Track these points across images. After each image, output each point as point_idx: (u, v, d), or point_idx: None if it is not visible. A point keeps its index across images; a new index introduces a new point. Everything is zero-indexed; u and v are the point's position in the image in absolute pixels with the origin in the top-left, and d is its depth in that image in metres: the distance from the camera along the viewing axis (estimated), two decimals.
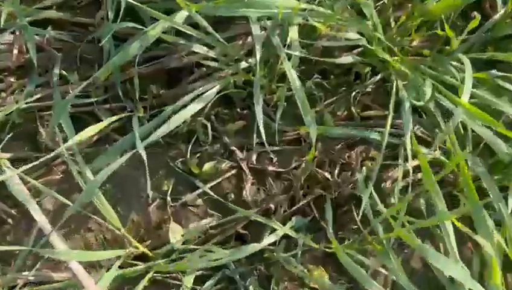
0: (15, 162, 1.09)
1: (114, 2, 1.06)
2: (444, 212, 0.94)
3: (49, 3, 1.19)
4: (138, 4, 0.97)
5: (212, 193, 1.10)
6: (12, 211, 1.06)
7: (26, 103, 1.07)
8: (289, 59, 1.00)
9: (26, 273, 1.03)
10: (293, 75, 0.93)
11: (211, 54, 1.03)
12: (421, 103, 1.02)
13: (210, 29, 0.94)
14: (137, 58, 1.14)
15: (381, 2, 1.25)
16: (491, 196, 1.02)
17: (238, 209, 1.05)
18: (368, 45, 1.02)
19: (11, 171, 0.98)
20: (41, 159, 0.96)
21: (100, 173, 0.94)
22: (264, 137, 0.94)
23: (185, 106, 1.04)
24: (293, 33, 0.95)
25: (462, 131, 1.06)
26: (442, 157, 1.04)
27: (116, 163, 0.93)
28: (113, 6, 1.06)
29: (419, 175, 1.14)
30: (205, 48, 1.02)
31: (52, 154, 0.95)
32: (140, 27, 0.99)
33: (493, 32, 1.17)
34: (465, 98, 0.92)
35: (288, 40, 0.93)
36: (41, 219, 0.94)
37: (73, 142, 0.96)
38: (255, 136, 1.13)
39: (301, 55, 0.97)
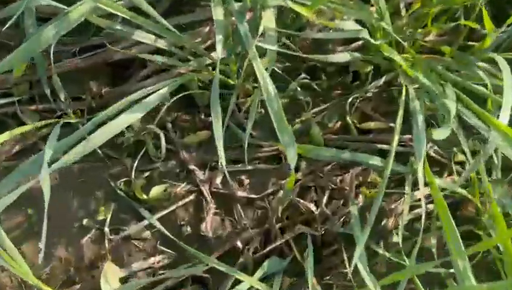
0: None
1: None
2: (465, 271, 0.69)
3: None
4: None
5: (161, 227, 0.85)
6: None
7: None
8: (265, 54, 0.74)
9: None
10: (264, 77, 0.67)
11: (161, 44, 0.77)
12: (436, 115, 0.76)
13: (151, 10, 0.68)
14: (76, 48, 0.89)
15: None
16: None
17: (193, 251, 0.80)
18: (370, 38, 0.76)
19: None
20: None
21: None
22: (222, 155, 0.68)
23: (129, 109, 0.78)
24: (268, 20, 0.68)
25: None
26: (464, 191, 0.79)
27: (8, 197, 0.67)
28: None
29: (430, 205, 0.89)
30: (153, 37, 0.76)
31: None
32: (63, 7, 0.72)
33: None
34: (503, 118, 0.66)
35: (261, 29, 0.67)
36: None
37: None
38: (221, 150, 0.87)
39: (278, 49, 0.71)
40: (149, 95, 0.77)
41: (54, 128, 0.77)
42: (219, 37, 0.69)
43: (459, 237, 0.75)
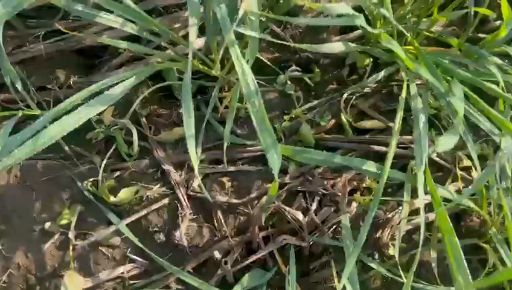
0: None
1: None
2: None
3: None
4: None
5: (129, 233, 0.76)
6: None
7: None
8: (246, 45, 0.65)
9: None
10: (244, 68, 0.58)
11: (131, 29, 0.67)
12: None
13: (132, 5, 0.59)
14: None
15: None
16: None
17: (164, 264, 0.71)
18: (368, 27, 0.66)
19: None
20: None
21: None
22: (193, 155, 0.59)
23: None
24: (250, 1, 0.59)
25: None
26: (470, 203, 0.70)
27: None
28: None
29: (430, 215, 0.80)
30: (120, 20, 0.66)
31: None
32: None
33: None
34: None
35: (241, 12, 0.57)
36: None
37: None
38: (198, 149, 0.78)
39: (262, 36, 0.62)
40: (117, 84, 0.68)
41: (9, 120, 0.67)
42: (193, 20, 0.60)
43: (463, 255, 0.66)
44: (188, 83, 0.58)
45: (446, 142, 0.53)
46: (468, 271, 0.64)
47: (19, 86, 0.73)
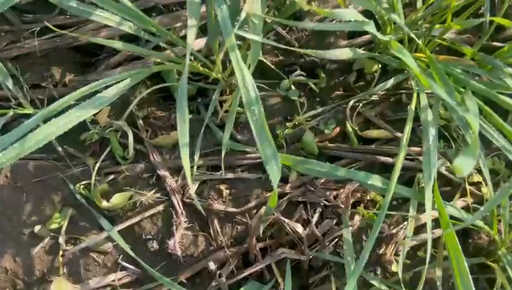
0: None
1: None
2: None
3: None
4: None
5: (121, 241, 0.73)
6: None
7: None
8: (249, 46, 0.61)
9: None
10: (244, 74, 0.54)
11: (128, 28, 0.64)
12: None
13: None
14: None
15: None
16: None
17: (156, 274, 0.68)
18: (378, 34, 0.63)
19: None
20: None
21: None
22: (186, 162, 0.56)
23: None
24: (253, 3, 0.55)
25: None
26: (480, 223, 0.66)
27: None
28: None
29: (437, 231, 0.77)
30: (117, 19, 0.63)
31: None
32: None
33: None
34: None
35: (243, 14, 0.54)
36: None
37: None
38: (197, 155, 0.75)
39: (264, 40, 0.58)
40: (113, 84, 0.65)
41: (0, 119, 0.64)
42: (192, 21, 0.56)
43: (469, 275, 0.63)
44: (184, 87, 0.55)
45: (464, 165, 0.49)
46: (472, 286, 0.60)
47: (9, 83, 0.70)
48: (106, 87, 0.63)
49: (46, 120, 0.60)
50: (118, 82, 0.61)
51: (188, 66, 0.58)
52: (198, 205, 0.66)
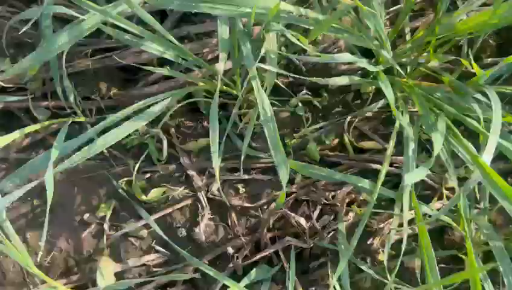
0: None
1: None
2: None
3: None
4: None
5: (156, 227, 0.89)
6: None
7: None
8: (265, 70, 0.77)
9: None
10: (263, 98, 0.70)
11: (167, 55, 0.80)
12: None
13: (158, 26, 0.71)
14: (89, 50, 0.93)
15: (398, 5, 1.02)
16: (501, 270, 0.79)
17: (186, 255, 0.84)
18: (369, 66, 0.78)
19: None
20: None
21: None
22: (216, 165, 0.72)
23: (137, 112, 0.81)
24: (270, 42, 0.72)
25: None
26: (448, 219, 0.82)
27: (17, 192, 0.72)
28: None
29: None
30: (160, 49, 0.79)
31: None
32: (77, 15, 0.76)
33: None
34: (487, 158, 0.68)
35: (263, 51, 0.70)
36: None
37: None
38: (219, 159, 0.91)
39: (279, 70, 0.74)
40: (155, 103, 0.81)
41: (62, 127, 0.81)
42: (222, 55, 0.72)
43: (436, 265, 0.78)
44: (215, 108, 0.71)
45: (414, 176, 0.64)
46: (438, 273, 0.75)
47: (71, 97, 0.86)
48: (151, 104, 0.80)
49: (103, 130, 0.77)
50: (162, 100, 0.77)
51: (215, 85, 0.74)
52: (224, 198, 0.82)
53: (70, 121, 0.86)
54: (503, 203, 0.66)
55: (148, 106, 0.80)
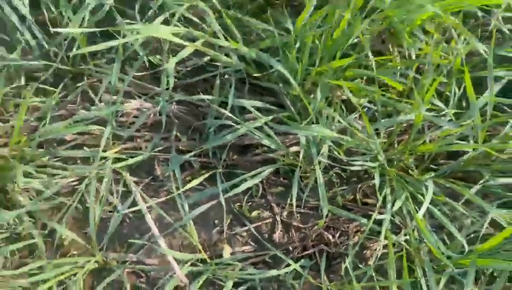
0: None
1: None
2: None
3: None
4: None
5: (254, 231, 1.71)
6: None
7: (151, 151, 1.72)
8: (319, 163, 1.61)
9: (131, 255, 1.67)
10: (320, 177, 1.53)
11: (266, 142, 1.64)
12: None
13: (271, 133, 1.56)
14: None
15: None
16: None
17: (269, 246, 1.65)
18: (370, 164, 1.61)
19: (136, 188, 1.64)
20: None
21: (192, 212, 1.58)
22: (294, 203, 1.54)
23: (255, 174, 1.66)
24: (325, 149, 1.55)
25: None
26: (406, 245, 1.60)
27: (199, 208, 1.57)
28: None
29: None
30: (264, 138, 1.63)
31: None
32: (234, 124, 1.62)
33: (464, 165, 1.72)
34: (420, 214, 1.48)
35: (320, 156, 1.53)
36: (153, 226, 1.59)
37: (181, 183, 1.60)
38: (289, 200, 1.73)
39: (327, 162, 1.57)
40: (260, 172, 1.65)
41: (217, 176, 1.65)
42: (301, 153, 1.56)
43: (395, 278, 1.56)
44: (296, 177, 1.54)
45: (387, 221, 1.47)
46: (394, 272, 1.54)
47: (220, 164, 1.72)
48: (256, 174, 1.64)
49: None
50: (271, 165, 1.61)
51: (295, 164, 1.57)
52: (290, 221, 1.64)
53: (218, 172, 1.70)
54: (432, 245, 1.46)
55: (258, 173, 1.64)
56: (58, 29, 1.51)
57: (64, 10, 1.69)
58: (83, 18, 1.61)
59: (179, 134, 1.79)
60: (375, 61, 1.52)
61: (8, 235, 1.62)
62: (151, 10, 1.71)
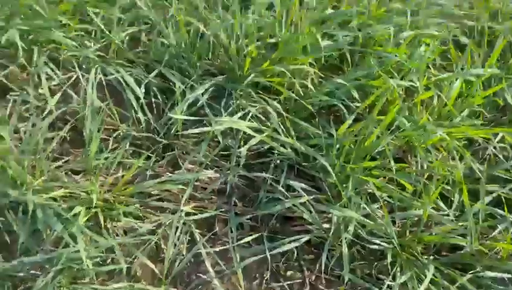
0: None
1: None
2: None
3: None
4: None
5: (286, 287, 2.14)
6: None
7: (214, 211, 2.22)
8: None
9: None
10: (345, 250, 1.98)
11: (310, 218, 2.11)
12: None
13: (312, 209, 2.04)
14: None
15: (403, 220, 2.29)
16: None
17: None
18: (387, 246, 2.05)
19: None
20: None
21: (240, 263, 2.04)
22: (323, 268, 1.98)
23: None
24: (351, 227, 2.01)
25: None
26: None
27: (246, 261, 2.02)
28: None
29: None
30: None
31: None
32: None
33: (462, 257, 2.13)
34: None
35: (346, 233, 2.00)
36: (211, 270, 2.05)
37: (235, 239, 2.07)
38: (317, 266, 2.16)
39: (351, 237, 2.02)
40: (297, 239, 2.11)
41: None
42: (332, 231, 2.02)
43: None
44: (326, 250, 1.99)
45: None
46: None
47: (264, 235, 2.20)
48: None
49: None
50: (306, 236, 2.07)
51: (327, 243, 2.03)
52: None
53: (258, 235, 2.17)
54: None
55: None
56: (170, 114, 2.11)
57: (166, 98, 2.31)
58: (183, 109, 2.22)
59: (237, 200, 2.30)
60: (395, 166, 2.03)
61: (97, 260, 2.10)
62: (231, 107, 2.31)
